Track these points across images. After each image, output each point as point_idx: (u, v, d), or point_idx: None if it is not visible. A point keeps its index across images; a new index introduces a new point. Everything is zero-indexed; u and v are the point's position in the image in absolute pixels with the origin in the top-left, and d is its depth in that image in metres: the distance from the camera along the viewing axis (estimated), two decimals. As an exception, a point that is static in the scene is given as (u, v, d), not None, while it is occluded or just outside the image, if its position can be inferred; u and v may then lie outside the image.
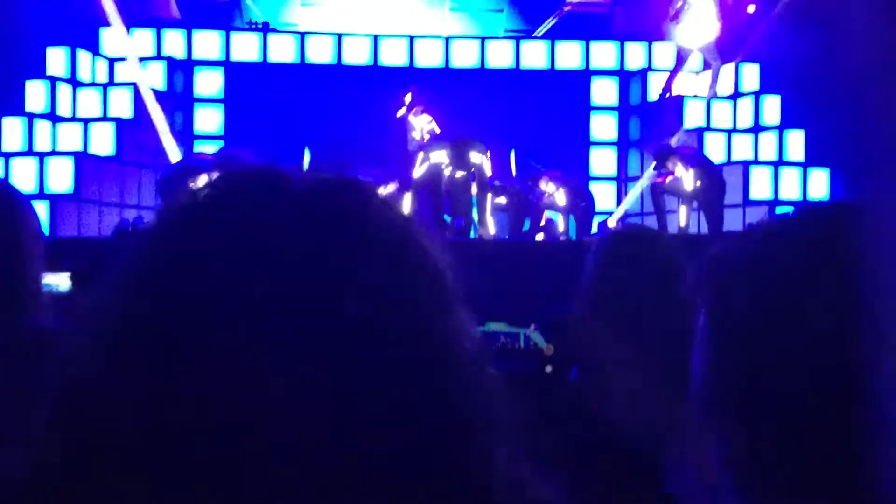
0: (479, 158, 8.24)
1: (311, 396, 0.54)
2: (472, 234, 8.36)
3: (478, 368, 0.61)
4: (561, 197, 9.08)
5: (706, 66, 10.59)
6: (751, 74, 10.62)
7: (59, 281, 4.93)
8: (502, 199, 8.98)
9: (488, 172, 8.39)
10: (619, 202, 11.28)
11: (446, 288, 0.62)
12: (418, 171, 8.39)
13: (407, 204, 8.46)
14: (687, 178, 8.22)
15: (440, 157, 8.26)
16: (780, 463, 0.69)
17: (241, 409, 0.53)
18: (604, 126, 11.44)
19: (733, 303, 0.72)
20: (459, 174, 8.24)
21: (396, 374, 0.56)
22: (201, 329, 0.55)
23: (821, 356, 0.66)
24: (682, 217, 8.42)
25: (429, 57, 11.15)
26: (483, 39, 11.34)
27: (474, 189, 8.26)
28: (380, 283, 0.58)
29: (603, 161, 11.41)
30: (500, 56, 11.30)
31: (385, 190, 8.63)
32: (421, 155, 8.44)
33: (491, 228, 8.51)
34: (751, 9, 9.88)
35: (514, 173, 9.62)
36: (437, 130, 9.53)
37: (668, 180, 8.34)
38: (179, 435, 0.53)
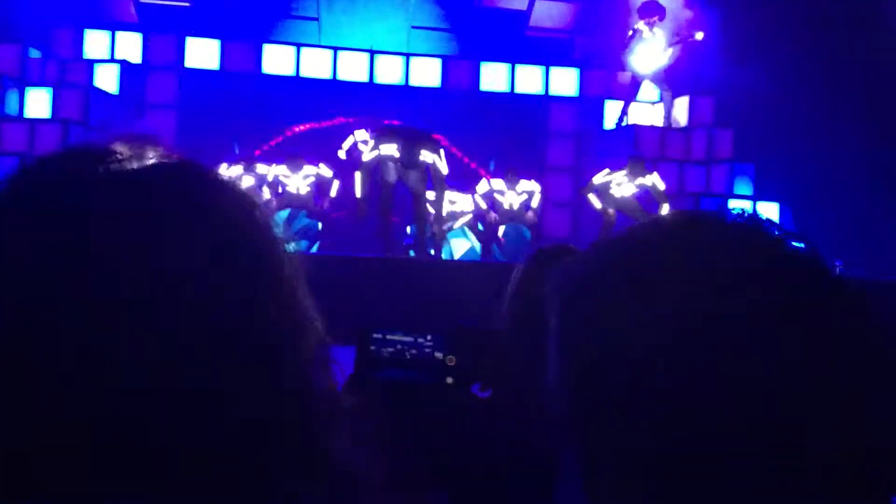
0: (431, 157, 7.81)
1: (140, 378, 0.55)
2: (426, 248, 8.17)
3: (313, 352, 0.63)
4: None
5: (660, 98, 10.75)
6: (704, 108, 10.79)
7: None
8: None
9: (444, 171, 7.92)
10: (572, 228, 11.33)
11: (280, 269, 0.63)
12: (367, 156, 7.91)
13: (359, 187, 7.93)
14: (658, 180, 8.45)
15: (390, 150, 7.77)
16: (617, 478, 0.67)
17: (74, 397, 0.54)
18: (561, 151, 11.51)
19: (572, 312, 0.70)
20: (412, 174, 7.81)
21: (220, 353, 0.57)
22: (14, 324, 0.55)
23: (651, 368, 0.64)
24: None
25: (388, 74, 11.14)
26: (444, 58, 11.36)
27: (430, 194, 7.98)
28: (203, 264, 0.58)
29: (558, 186, 11.46)
30: (460, 77, 11.33)
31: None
32: (371, 142, 7.96)
33: (441, 236, 8.36)
34: (699, 35, 10.02)
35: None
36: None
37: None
38: None
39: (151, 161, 0.63)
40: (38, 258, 0.56)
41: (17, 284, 0.56)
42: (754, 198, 9.80)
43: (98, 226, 0.57)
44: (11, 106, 9.62)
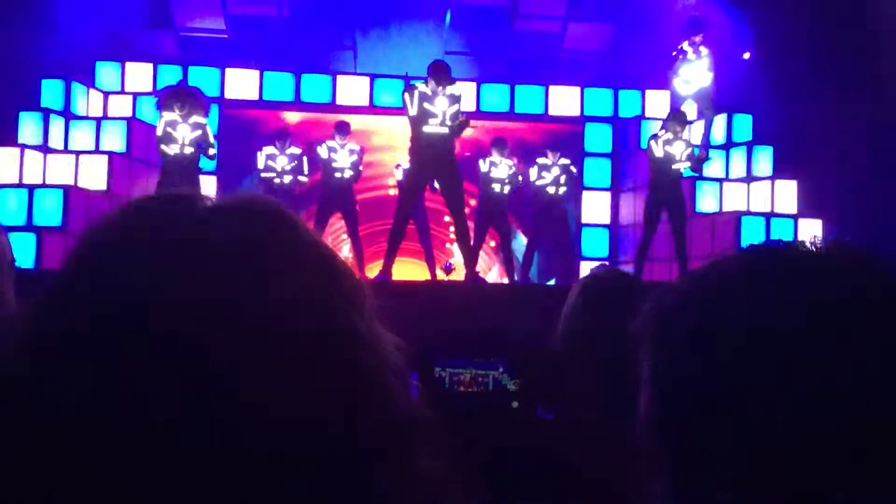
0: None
1: (226, 396, 0.56)
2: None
3: (391, 369, 0.65)
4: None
5: (699, 115, 10.67)
6: (744, 126, 10.70)
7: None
8: None
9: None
10: (611, 248, 11.28)
11: (351, 299, 0.65)
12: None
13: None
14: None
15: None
16: (713, 498, 0.67)
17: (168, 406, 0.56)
18: (597, 172, 11.49)
19: (669, 341, 0.71)
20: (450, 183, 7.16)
21: (303, 379, 0.59)
22: (116, 341, 0.56)
23: (752, 394, 0.65)
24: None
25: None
26: (479, 81, 11.42)
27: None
28: (284, 292, 0.61)
29: (596, 207, 11.42)
30: (495, 99, 11.37)
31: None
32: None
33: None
34: (746, 55, 9.97)
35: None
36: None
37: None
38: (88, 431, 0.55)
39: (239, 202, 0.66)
40: (140, 285, 0.58)
41: (118, 312, 0.57)
42: (797, 215, 9.68)
43: (195, 264, 0.59)
44: (56, 139, 9.84)
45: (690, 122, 9.50)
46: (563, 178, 9.32)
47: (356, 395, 0.61)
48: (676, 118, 8.47)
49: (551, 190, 9.27)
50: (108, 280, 0.59)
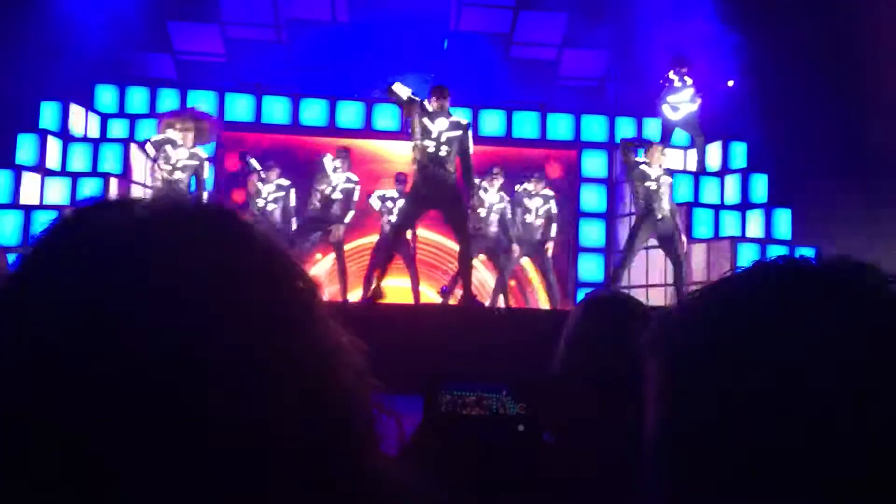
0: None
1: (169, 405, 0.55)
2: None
3: (349, 371, 0.64)
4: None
5: (691, 143, 10.74)
6: (738, 153, 10.76)
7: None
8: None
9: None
10: (606, 273, 11.28)
11: (310, 308, 0.64)
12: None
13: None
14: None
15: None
16: None
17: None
18: (593, 198, 11.52)
19: (678, 359, 0.71)
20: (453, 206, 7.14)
21: (252, 382, 0.57)
22: (55, 355, 0.55)
23: (763, 409, 0.64)
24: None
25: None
26: (475, 108, 11.48)
27: None
28: (230, 294, 0.60)
29: (591, 232, 11.45)
30: (491, 125, 11.43)
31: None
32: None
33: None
34: (730, 83, 10.10)
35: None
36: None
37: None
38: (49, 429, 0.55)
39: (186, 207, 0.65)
40: (79, 298, 0.57)
41: (60, 320, 0.56)
42: (792, 242, 9.70)
43: (137, 269, 0.58)
44: (53, 161, 9.84)
45: (672, 146, 9.62)
46: (541, 210, 9.18)
47: (308, 397, 0.60)
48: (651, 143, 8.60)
49: (528, 218, 9.22)
50: (46, 293, 0.58)
